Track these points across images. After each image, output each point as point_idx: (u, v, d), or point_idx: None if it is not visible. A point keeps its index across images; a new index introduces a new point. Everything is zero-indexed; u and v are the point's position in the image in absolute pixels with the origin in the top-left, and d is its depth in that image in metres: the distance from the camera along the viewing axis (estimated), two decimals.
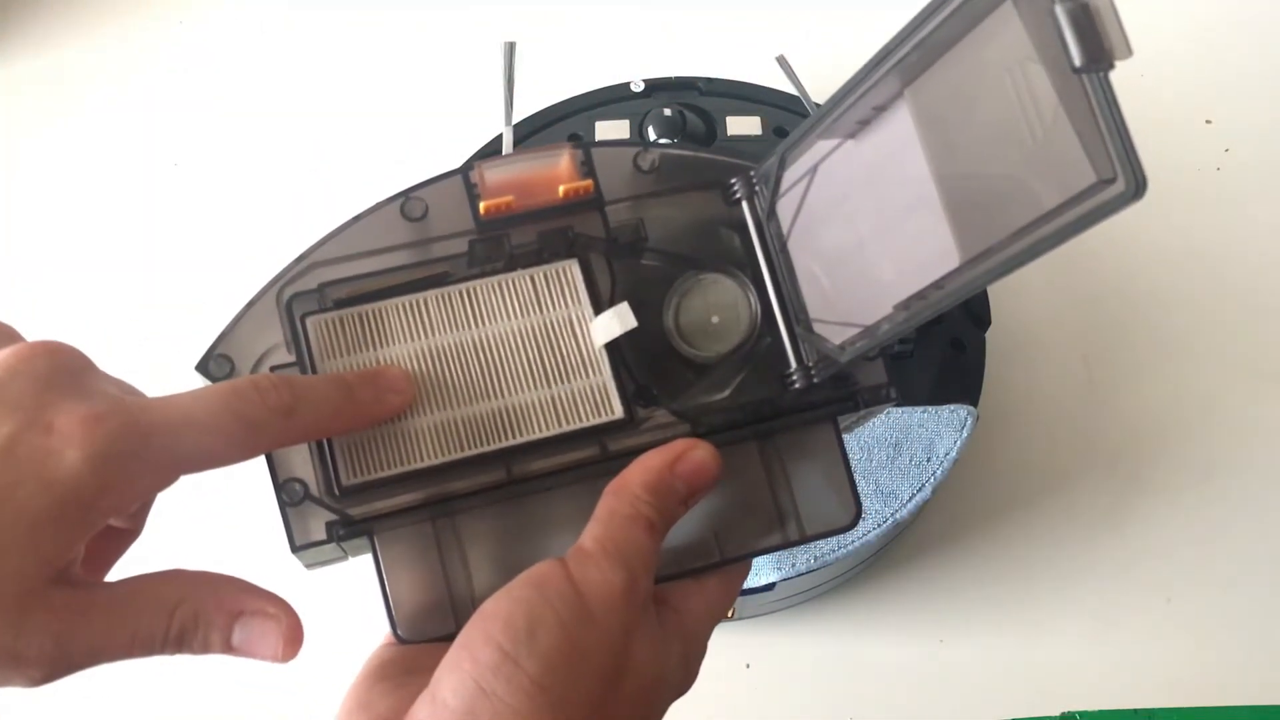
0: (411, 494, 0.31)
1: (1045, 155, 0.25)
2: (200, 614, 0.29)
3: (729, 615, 0.53)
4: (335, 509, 0.31)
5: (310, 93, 0.75)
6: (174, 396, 0.28)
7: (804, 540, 0.33)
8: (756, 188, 0.35)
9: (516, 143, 0.61)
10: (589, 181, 0.33)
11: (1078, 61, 0.25)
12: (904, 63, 0.27)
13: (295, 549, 0.31)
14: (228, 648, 0.29)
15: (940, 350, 0.54)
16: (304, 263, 0.32)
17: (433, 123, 0.72)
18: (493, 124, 0.61)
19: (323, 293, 0.32)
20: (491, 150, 0.61)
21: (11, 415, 0.26)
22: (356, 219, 0.33)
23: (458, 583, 0.31)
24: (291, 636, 0.29)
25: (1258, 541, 0.57)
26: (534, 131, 0.62)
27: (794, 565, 0.48)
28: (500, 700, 0.26)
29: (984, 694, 0.53)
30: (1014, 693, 0.53)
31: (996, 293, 0.57)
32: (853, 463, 0.49)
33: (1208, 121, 0.72)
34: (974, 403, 0.53)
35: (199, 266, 0.65)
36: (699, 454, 0.31)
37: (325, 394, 0.30)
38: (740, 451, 0.33)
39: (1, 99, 0.75)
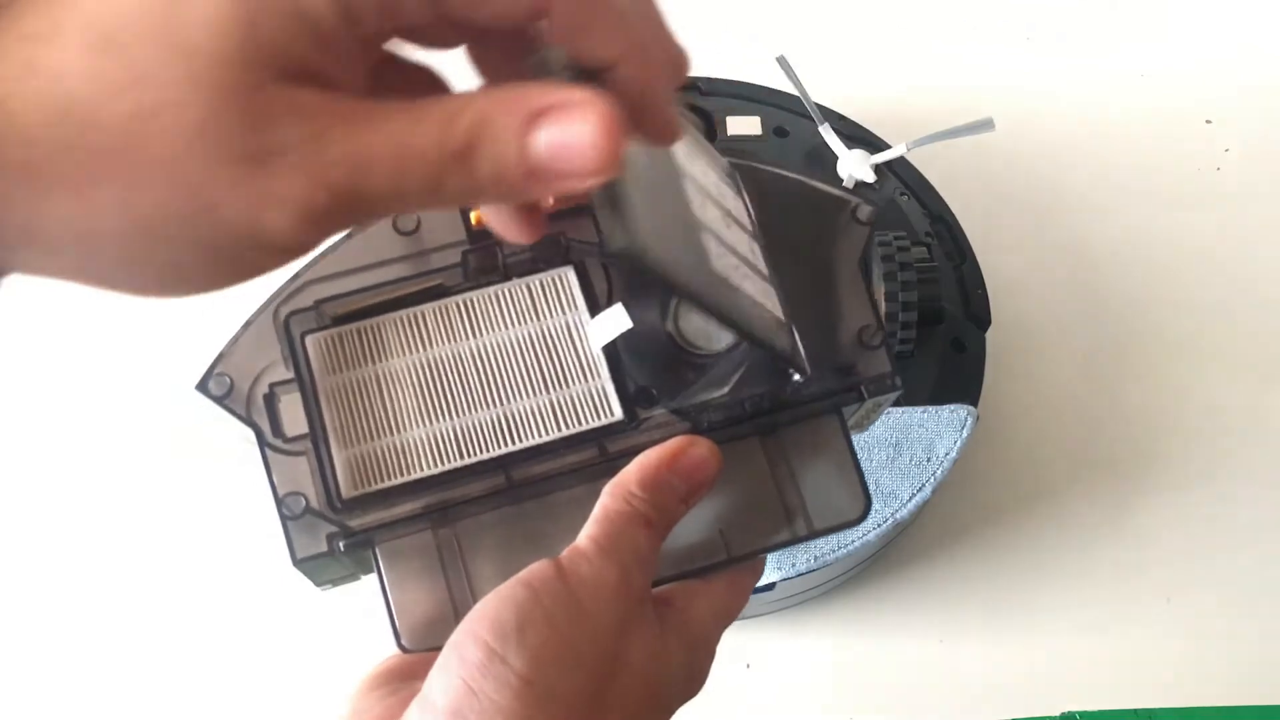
0: (411, 503, 0.31)
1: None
2: (489, 116, 0.21)
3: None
4: (335, 521, 0.31)
5: None
6: None
7: (814, 535, 0.33)
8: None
9: None
10: None
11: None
12: None
13: (296, 562, 0.31)
14: (527, 160, 0.21)
15: (940, 350, 0.54)
16: (299, 281, 0.33)
17: None
18: None
19: (319, 310, 0.33)
20: None
21: None
22: (349, 235, 0.33)
23: (460, 590, 0.31)
24: (610, 127, 0.21)
25: (1258, 541, 0.57)
26: None
27: (794, 565, 0.48)
28: (488, 698, 0.26)
29: (984, 694, 0.53)
30: (1014, 693, 0.53)
31: (996, 293, 0.57)
32: None
33: (1208, 121, 0.72)
34: (974, 403, 0.53)
35: None
36: (697, 450, 0.31)
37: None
38: (744, 448, 0.33)
39: None
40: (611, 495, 0.30)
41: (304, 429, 0.32)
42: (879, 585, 0.56)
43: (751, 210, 0.34)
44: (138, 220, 0.20)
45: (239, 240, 0.21)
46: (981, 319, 0.56)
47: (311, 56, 0.21)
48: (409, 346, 0.32)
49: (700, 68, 0.65)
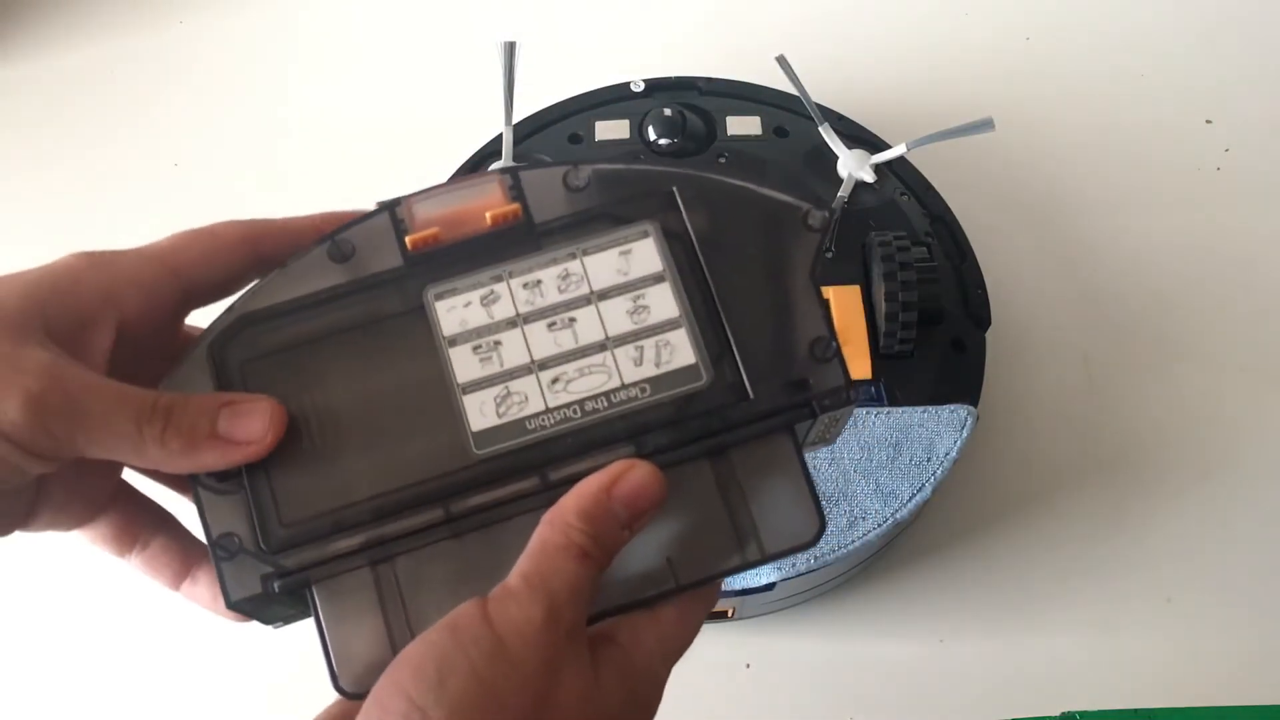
0: (348, 539, 0.30)
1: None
2: (188, 399, 0.30)
3: (728, 615, 0.53)
4: (270, 560, 0.30)
5: (309, 93, 0.75)
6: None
7: (766, 560, 0.32)
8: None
9: (517, 143, 0.61)
10: (516, 205, 0.33)
11: None
12: None
13: (230, 604, 0.30)
14: (213, 434, 0.30)
15: (940, 350, 0.54)
16: (233, 314, 0.32)
17: (433, 123, 0.72)
18: (493, 124, 0.61)
19: (254, 340, 0.32)
20: (491, 151, 0.61)
21: None
22: (284, 267, 0.33)
23: (400, 630, 0.30)
24: (277, 419, 0.30)
25: (1258, 541, 0.57)
26: (534, 131, 0.62)
27: (794, 565, 0.48)
28: None
29: (984, 694, 0.53)
30: (1014, 693, 0.53)
31: (996, 293, 0.57)
32: (853, 463, 0.50)
33: (1208, 121, 0.72)
34: (974, 403, 0.53)
35: None
36: (637, 474, 0.29)
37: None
38: (692, 470, 0.32)
39: (1, 99, 0.75)
40: (549, 526, 0.29)
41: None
42: (879, 585, 0.56)
43: (662, 245, 0.33)
44: None
45: None
46: (981, 319, 0.56)
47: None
48: (344, 373, 0.32)
49: (700, 68, 0.65)
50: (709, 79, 0.64)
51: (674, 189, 0.33)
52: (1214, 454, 0.59)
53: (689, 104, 0.62)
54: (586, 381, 0.32)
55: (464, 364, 0.32)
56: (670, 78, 0.64)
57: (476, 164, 0.61)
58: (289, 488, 0.31)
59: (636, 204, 0.33)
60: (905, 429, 0.51)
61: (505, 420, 0.31)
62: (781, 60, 0.61)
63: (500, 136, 0.60)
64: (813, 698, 0.53)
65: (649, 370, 0.32)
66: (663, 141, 0.61)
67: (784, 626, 0.55)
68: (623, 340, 0.32)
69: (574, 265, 0.33)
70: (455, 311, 0.32)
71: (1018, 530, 0.57)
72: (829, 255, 0.56)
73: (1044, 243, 0.67)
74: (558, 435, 0.31)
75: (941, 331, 0.54)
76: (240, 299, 0.33)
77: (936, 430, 0.51)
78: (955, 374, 0.54)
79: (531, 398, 0.32)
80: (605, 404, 0.32)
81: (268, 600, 0.31)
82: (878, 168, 0.60)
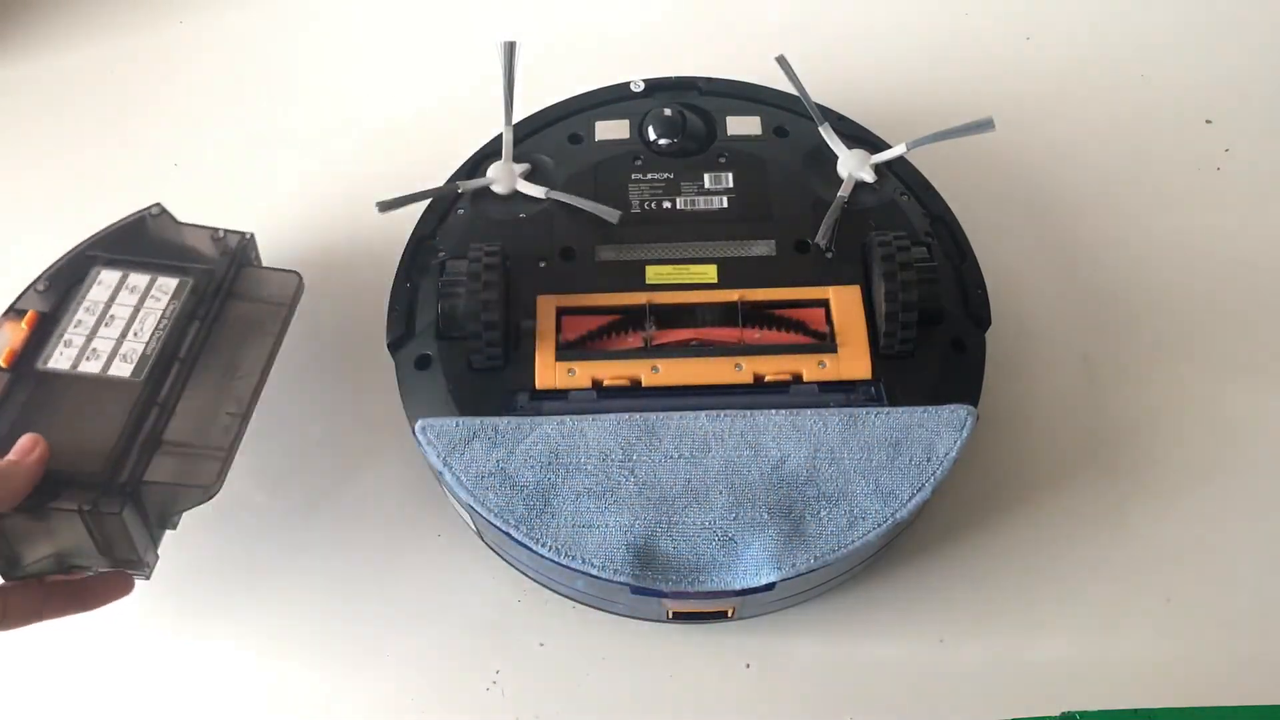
0: None
1: None
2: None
3: (728, 615, 0.53)
4: None
5: (309, 93, 0.75)
6: None
7: None
8: None
9: (517, 143, 0.61)
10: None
11: None
12: None
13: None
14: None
15: (940, 350, 0.54)
16: None
17: (433, 123, 0.72)
18: (493, 124, 0.61)
19: None
20: (491, 151, 0.61)
21: None
22: None
23: None
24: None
25: (1258, 541, 0.57)
26: (534, 131, 0.62)
27: (794, 565, 0.48)
28: None
29: (984, 694, 0.53)
30: (1014, 693, 0.53)
31: (996, 293, 0.57)
32: (853, 463, 0.50)
33: (1208, 121, 0.72)
34: (974, 403, 0.53)
35: None
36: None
37: None
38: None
39: (1, 99, 0.75)
40: None
41: None
42: (879, 585, 0.56)
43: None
44: None
45: None
46: (981, 319, 0.56)
47: None
48: None
49: (700, 68, 0.65)
50: (709, 79, 0.64)
51: None
52: (1214, 454, 0.59)
53: (689, 104, 0.62)
54: None
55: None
56: (670, 78, 0.64)
57: (477, 164, 0.61)
58: None
59: None
60: (905, 429, 0.51)
61: None
62: (781, 60, 0.61)
63: (500, 136, 0.61)
64: (813, 698, 0.53)
65: None
66: (663, 141, 0.61)
67: (784, 626, 0.55)
68: None
69: None
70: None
71: (1018, 530, 0.57)
72: (829, 255, 0.56)
73: (1044, 243, 0.67)
74: None
75: (941, 331, 0.54)
76: None
77: (936, 430, 0.51)
78: (955, 374, 0.54)
79: None
80: None
81: None
82: (878, 168, 0.60)
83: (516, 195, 0.59)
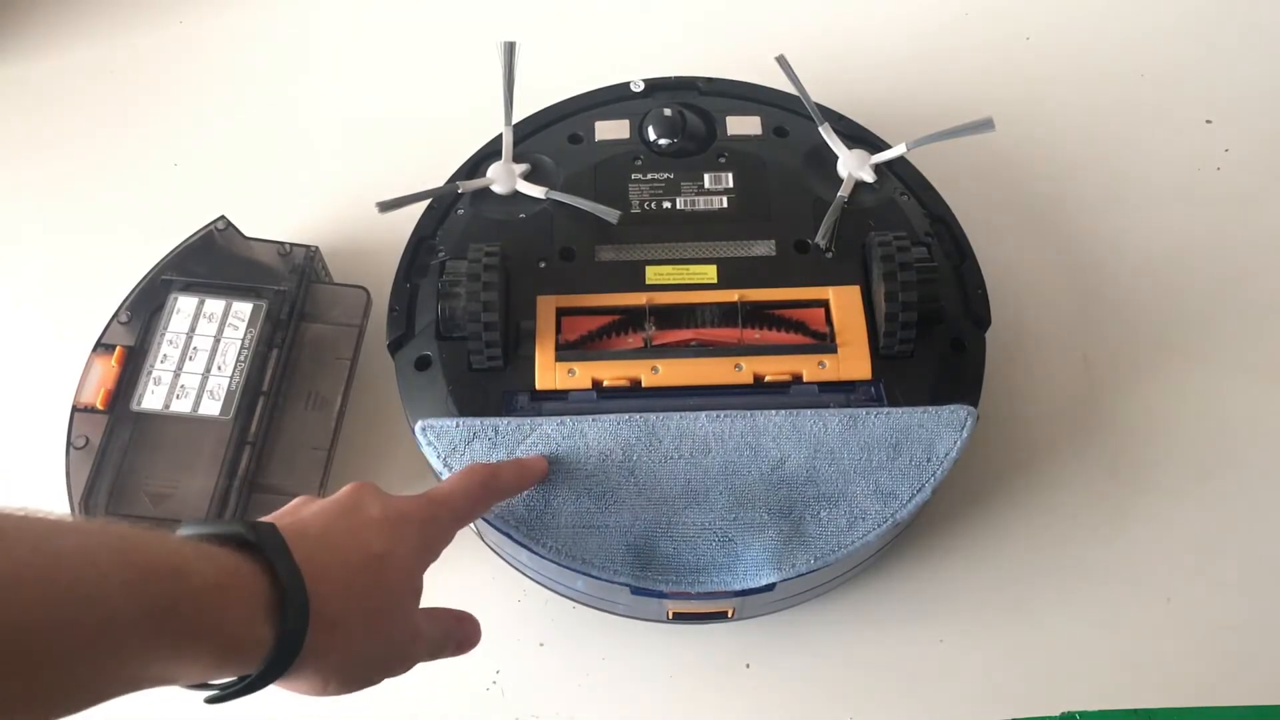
0: None
1: None
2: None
3: (728, 615, 0.53)
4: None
5: (309, 93, 0.75)
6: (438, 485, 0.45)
7: None
8: None
9: (517, 143, 0.61)
10: None
11: None
12: None
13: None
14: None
15: (940, 350, 0.54)
16: None
17: (433, 123, 0.72)
18: (493, 124, 0.61)
19: None
20: (491, 151, 0.61)
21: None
22: None
23: None
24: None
25: (1258, 541, 0.57)
26: (534, 131, 0.62)
27: (794, 565, 0.48)
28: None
29: (984, 694, 0.53)
30: (1014, 693, 0.53)
31: (996, 293, 0.57)
32: (853, 463, 0.50)
33: (1208, 121, 0.72)
34: (974, 403, 0.53)
35: None
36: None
37: (508, 469, 0.48)
38: None
39: (1, 99, 0.75)
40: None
41: None
42: (879, 585, 0.56)
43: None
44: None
45: None
46: (981, 319, 0.56)
47: None
48: None
49: (700, 68, 0.65)
50: (709, 79, 0.64)
51: None
52: (1214, 454, 0.59)
53: (689, 104, 0.62)
54: None
55: None
56: (670, 78, 0.64)
57: (477, 164, 0.61)
58: None
59: None
60: (905, 429, 0.51)
61: None
62: (781, 60, 0.61)
63: (500, 136, 0.60)
64: (813, 698, 0.53)
65: None
66: (663, 141, 0.61)
67: (784, 626, 0.55)
68: None
69: None
70: None
71: (1018, 530, 0.57)
72: (829, 255, 0.56)
73: (1044, 243, 0.67)
74: None
75: (941, 331, 0.54)
76: None
77: (936, 430, 0.51)
78: (955, 374, 0.54)
79: None
80: None
81: None
82: (878, 168, 0.60)
83: (516, 195, 0.59)
